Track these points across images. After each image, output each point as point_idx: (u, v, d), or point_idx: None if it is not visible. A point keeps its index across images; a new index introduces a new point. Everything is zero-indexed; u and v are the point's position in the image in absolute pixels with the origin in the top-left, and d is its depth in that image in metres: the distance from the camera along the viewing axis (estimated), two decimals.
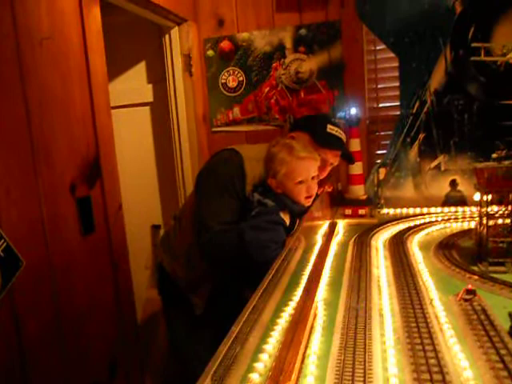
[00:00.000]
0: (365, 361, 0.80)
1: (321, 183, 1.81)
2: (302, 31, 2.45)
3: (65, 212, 1.48)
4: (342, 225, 1.97)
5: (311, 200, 1.53)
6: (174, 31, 2.56)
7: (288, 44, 2.48)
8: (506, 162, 1.33)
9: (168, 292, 1.84)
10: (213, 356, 0.55)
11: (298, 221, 1.53)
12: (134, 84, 2.77)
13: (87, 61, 1.64)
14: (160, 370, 2.43)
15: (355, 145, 2.13)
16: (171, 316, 1.86)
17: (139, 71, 2.78)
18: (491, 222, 1.41)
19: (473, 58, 2.08)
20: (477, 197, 1.45)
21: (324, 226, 1.88)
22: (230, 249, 1.46)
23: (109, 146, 1.74)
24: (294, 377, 0.76)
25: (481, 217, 1.43)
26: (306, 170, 1.49)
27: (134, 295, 2.08)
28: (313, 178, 1.51)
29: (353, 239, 1.71)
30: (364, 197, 2.16)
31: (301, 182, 1.48)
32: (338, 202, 2.26)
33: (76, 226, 1.53)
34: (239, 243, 1.41)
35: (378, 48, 2.41)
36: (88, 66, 1.65)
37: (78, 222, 1.53)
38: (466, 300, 1.08)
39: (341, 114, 2.39)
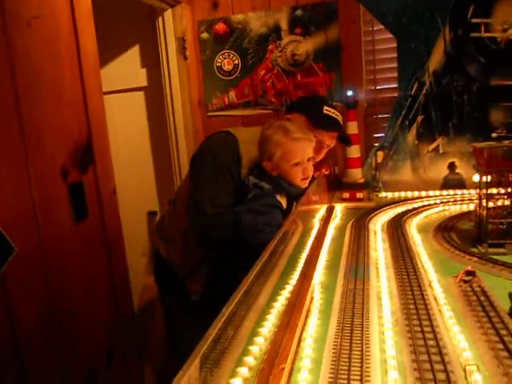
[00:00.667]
0: (362, 343, 0.79)
1: (318, 166, 1.79)
2: (298, 12, 2.40)
3: (56, 197, 1.45)
4: (339, 208, 1.96)
5: (307, 182, 1.51)
6: (168, 13, 2.50)
7: (284, 25, 2.43)
8: (506, 142, 1.30)
9: (164, 278, 1.83)
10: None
11: (294, 204, 1.51)
12: (128, 68, 2.72)
13: (77, 42, 1.60)
14: (158, 356, 2.43)
15: (353, 127, 2.09)
16: (168, 303, 1.85)
17: (133, 55, 2.73)
18: (491, 204, 1.39)
19: (472, 34, 2.04)
20: (476, 178, 1.43)
21: (322, 209, 1.86)
22: (226, 232, 1.44)
23: (101, 130, 1.71)
24: (289, 359, 0.75)
25: (480, 198, 1.40)
26: (302, 152, 1.46)
27: (131, 282, 2.07)
28: (309, 159, 1.48)
29: (350, 223, 1.69)
30: (362, 180, 2.14)
31: (297, 164, 1.45)
32: (336, 185, 2.24)
33: (68, 212, 1.50)
34: (235, 227, 1.39)
35: (375, 28, 2.36)
36: (78, 48, 1.60)
37: (71, 207, 1.50)
38: (465, 281, 1.06)
39: (338, 97, 2.35)
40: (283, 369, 0.71)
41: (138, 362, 2.03)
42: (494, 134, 1.34)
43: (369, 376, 0.69)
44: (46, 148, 1.42)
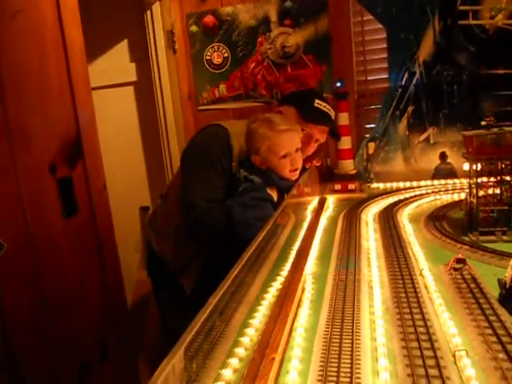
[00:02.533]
0: (353, 331, 0.79)
1: (309, 158, 1.79)
2: (288, 3, 2.39)
3: (45, 193, 1.44)
4: (331, 200, 1.96)
5: (297, 173, 1.50)
6: (156, 6, 2.48)
7: (273, 17, 2.42)
8: (495, 130, 1.30)
9: (157, 273, 1.82)
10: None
11: (285, 196, 1.51)
12: (117, 63, 2.70)
13: (63, 36, 1.58)
14: (153, 351, 2.43)
15: (344, 119, 2.09)
16: (162, 297, 1.84)
17: (121, 50, 2.71)
18: (481, 192, 1.40)
19: (460, 22, 2.04)
20: (466, 166, 1.43)
21: (314, 201, 1.86)
22: (217, 226, 1.43)
23: (90, 125, 1.69)
24: (280, 349, 0.75)
25: (470, 187, 1.41)
26: (289, 143, 1.45)
27: (124, 278, 2.06)
28: (296, 150, 1.48)
29: (342, 214, 1.69)
30: (353, 171, 2.14)
31: (284, 156, 1.44)
32: (328, 177, 2.24)
33: (58, 208, 1.49)
34: (226, 221, 1.39)
35: (365, 19, 2.35)
36: (64, 42, 1.58)
37: (60, 203, 1.49)
38: (455, 269, 1.07)
39: (329, 88, 2.35)
40: (274, 358, 0.71)
41: (132, 356, 2.03)
42: (483, 122, 1.34)
43: (359, 364, 0.69)
44: (34, 143, 1.40)
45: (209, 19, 2.51)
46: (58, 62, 1.54)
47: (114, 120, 2.73)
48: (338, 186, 2.08)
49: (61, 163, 1.52)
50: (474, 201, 1.38)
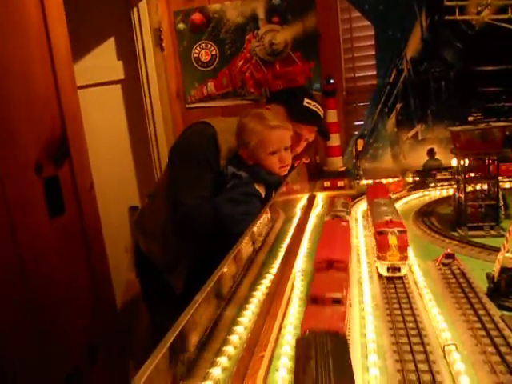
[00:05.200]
0: None
1: (298, 156, 1.78)
2: (275, 0, 2.38)
3: (31, 192, 1.41)
4: (321, 197, 1.96)
5: (286, 169, 1.49)
6: (143, 4, 2.45)
7: (261, 14, 2.41)
8: (482, 125, 1.31)
9: (146, 273, 1.80)
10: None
11: (274, 192, 1.50)
12: (104, 61, 2.67)
13: (48, 34, 1.55)
14: (144, 353, 2.40)
15: (332, 116, 2.09)
16: (151, 298, 1.82)
17: (108, 48, 2.67)
18: (469, 188, 1.40)
19: (447, 17, 2.05)
20: (454, 162, 1.44)
21: (303, 198, 1.86)
22: (206, 223, 1.42)
23: (76, 124, 1.67)
24: (269, 347, 0.74)
25: (458, 182, 1.41)
26: (278, 140, 1.44)
27: (114, 279, 2.03)
28: (286, 149, 1.47)
29: None
30: (342, 168, 2.14)
31: (273, 153, 1.44)
32: (317, 174, 2.24)
33: (44, 207, 1.46)
34: (215, 216, 1.38)
35: (352, 16, 2.36)
36: (49, 40, 1.56)
37: (46, 203, 1.47)
38: (444, 264, 1.07)
39: (317, 86, 2.35)
40: (263, 356, 0.70)
41: (123, 359, 2.01)
42: (470, 118, 1.35)
43: None
44: (18, 142, 1.38)
45: (196, 17, 2.50)
46: (43, 60, 1.52)
47: (102, 119, 2.69)
48: (327, 183, 2.08)
49: (47, 162, 1.49)
50: (462, 196, 1.38)
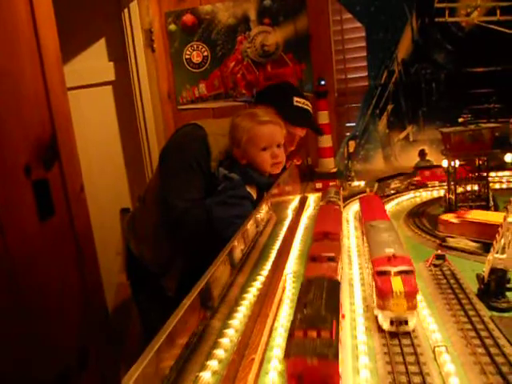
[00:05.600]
0: None
1: (289, 156, 1.78)
2: (267, 2, 2.38)
3: (20, 195, 1.40)
4: (312, 198, 1.95)
5: (279, 167, 1.49)
6: (134, 4, 2.44)
7: (252, 16, 2.41)
8: (472, 126, 1.32)
9: (137, 276, 1.79)
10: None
11: (265, 194, 1.50)
12: (95, 62, 2.65)
13: (37, 34, 1.53)
14: (135, 357, 2.39)
15: (324, 117, 2.09)
16: (142, 300, 1.82)
17: (99, 49, 2.66)
18: (460, 189, 1.41)
19: (437, 19, 2.06)
20: (444, 163, 1.44)
21: (295, 200, 1.86)
22: (197, 226, 1.42)
23: (66, 125, 1.65)
24: (260, 350, 0.73)
25: (449, 183, 1.42)
26: (269, 136, 1.44)
27: (105, 282, 2.01)
28: (278, 145, 1.46)
29: None
30: (334, 170, 2.14)
31: (265, 149, 1.43)
32: (309, 176, 2.24)
33: (33, 210, 1.44)
34: (206, 220, 1.37)
35: (344, 17, 2.36)
36: (38, 40, 1.54)
37: (36, 206, 1.45)
38: (435, 265, 1.07)
39: (308, 87, 2.35)
40: (253, 359, 0.70)
41: (114, 364, 1.99)
42: (460, 119, 1.36)
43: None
44: (6, 144, 1.36)
45: (188, 18, 2.49)
46: (32, 61, 1.50)
47: (93, 120, 2.68)
48: (319, 185, 2.08)
49: (36, 165, 1.47)
50: (453, 197, 1.39)
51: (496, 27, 1.95)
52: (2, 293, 1.33)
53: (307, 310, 0.64)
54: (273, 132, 1.45)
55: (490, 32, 2.00)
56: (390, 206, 1.71)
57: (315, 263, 0.87)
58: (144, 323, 1.85)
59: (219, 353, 0.75)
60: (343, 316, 0.79)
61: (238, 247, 1.11)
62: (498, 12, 1.89)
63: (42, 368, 1.46)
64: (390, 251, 0.83)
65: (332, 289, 0.71)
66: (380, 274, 0.80)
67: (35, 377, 1.42)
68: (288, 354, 0.56)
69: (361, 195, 1.69)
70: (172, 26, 2.51)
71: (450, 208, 1.41)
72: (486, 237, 1.11)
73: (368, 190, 1.73)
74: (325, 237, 1.01)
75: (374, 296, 0.81)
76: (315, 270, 0.82)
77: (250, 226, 1.18)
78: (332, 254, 0.88)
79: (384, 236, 0.96)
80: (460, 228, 1.23)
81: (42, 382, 1.47)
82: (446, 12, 1.99)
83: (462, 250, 1.16)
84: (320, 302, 0.66)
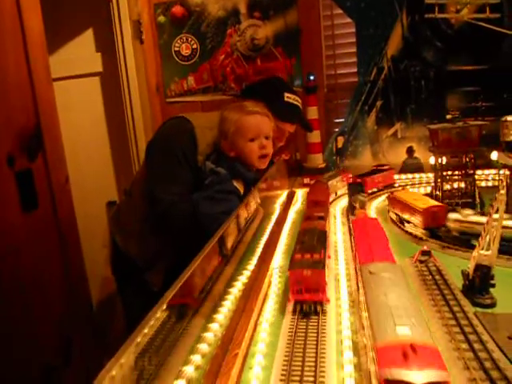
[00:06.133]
0: (318, 325, 0.77)
1: (278, 152, 1.77)
2: None
3: (3, 186, 1.37)
4: (300, 194, 1.95)
5: (266, 161, 1.48)
6: None
7: (243, 9, 2.39)
8: (460, 123, 1.32)
9: (122, 270, 1.77)
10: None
11: (252, 188, 1.49)
12: (82, 53, 2.61)
13: (22, 23, 1.50)
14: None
15: (313, 113, 2.09)
16: (127, 295, 1.80)
17: (86, 39, 2.62)
18: (446, 186, 1.42)
19: (427, 15, 2.06)
20: (432, 160, 1.45)
21: (282, 195, 1.85)
22: (184, 220, 1.40)
23: (51, 116, 1.62)
24: (244, 344, 0.73)
25: (436, 180, 1.43)
26: (256, 126, 1.43)
27: (90, 275, 2.00)
28: (267, 137, 1.45)
29: None
30: (323, 165, 2.14)
31: (252, 140, 1.42)
32: (297, 171, 2.23)
33: (16, 202, 1.42)
34: (192, 215, 1.36)
35: (334, 13, 2.36)
36: (23, 29, 1.51)
37: (19, 197, 1.42)
38: (421, 261, 1.07)
39: (298, 82, 2.34)
40: (237, 354, 0.69)
41: (98, 358, 1.97)
42: (448, 116, 1.36)
43: (324, 358, 0.68)
44: None
45: (177, 9, 2.46)
46: (16, 52, 1.47)
47: (79, 111, 2.64)
48: (306, 180, 2.08)
49: (19, 155, 1.45)
50: (440, 194, 1.39)
51: (485, 25, 1.96)
52: None
53: (303, 244, 0.91)
54: (260, 123, 1.44)
55: (479, 30, 2.01)
56: (377, 202, 1.72)
57: (309, 221, 1.09)
58: (128, 318, 1.83)
59: (203, 347, 0.74)
60: (329, 256, 1.02)
61: (224, 241, 1.10)
62: (488, 9, 1.89)
63: (26, 360, 1.44)
64: (404, 333, 0.52)
65: (321, 235, 0.96)
66: None
67: (21, 369, 1.40)
68: (291, 267, 0.83)
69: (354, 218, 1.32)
70: (161, 18, 2.48)
71: None
72: (402, 212, 1.35)
73: (358, 208, 1.41)
74: (316, 204, 1.25)
75: None
76: (308, 226, 1.04)
77: (237, 220, 1.17)
78: (322, 214, 1.11)
79: (391, 297, 0.63)
80: (392, 203, 1.43)
81: (28, 374, 1.45)
82: (436, 8, 2.00)
83: None
84: (313, 240, 0.93)
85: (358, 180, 1.58)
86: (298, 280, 0.82)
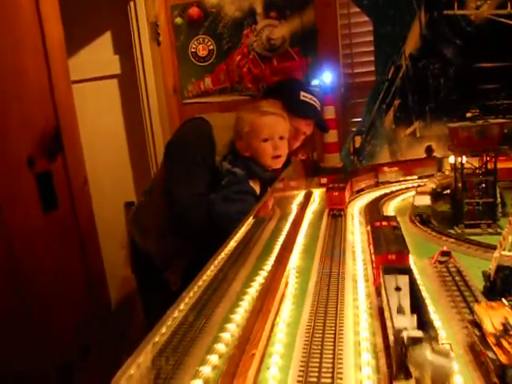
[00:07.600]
0: (336, 325, 0.77)
1: (295, 151, 1.77)
2: None
3: (23, 187, 1.40)
4: (317, 194, 1.94)
5: (280, 161, 1.48)
6: None
7: (259, 9, 2.39)
8: (480, 122, 1.29)
9: (142, 269, 1.79)
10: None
11: (268, 188, 1.48)
12: (100, 56, 2.65)
13: (42, 27, 1.53)
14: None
15: (330, 112, 2.08)
16: (146, 294, 1.81)
17: (104, 42, 2.65)
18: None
19: (446, 12, 2.02)
20: (451, 159, 1.42)
21: (299, 195, 1.84)
22: (202, 221, 1.41)
23: (70, 118, 1.65)
24: (261, 345, 0.72)
25: (456, 179, 1.40)
26: (270, 127, 1.43)
27: (109, 275, 2.02)
28: (281, 138, 1.45)
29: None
30: (340, 165, 2.13)
31: (266, 140, 1.42)
32: (314, 171, 2.22)
33: (37, 202, 1.45)
34: (210, 215, 1.37)
35: (351, 11, 2.34)
36: (43, 33, 1.54)
37: (39, 198, 1.45)
38: (441, 262, 1.05)
39: (315, 81, 2.33)
40: (254, 354, 0.69)
41: (116, 355, 1.99)
42: (468, 114, 1.33)
43: (341, 358, 0.67)
44: (10, 136, 1.36)
45: (194, 11, 2.48)
46: (36, 56, 1.50)
47: (98, 113, 2.68)
48: (324, 180, 2.06)
49: (39, 157, 1.48)
50: (459, 195, 1.37)
51: (506, 21, 1.91)
52: (4, 285, 1.33)
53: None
54: (274, 123, 1.44)
55: (499, 26, 1.97)
56: (396, 202, 1.70)
57: (331, 192, 1.45)
58: (147, 316, 1.85)
59: (220, 347, 0.74)
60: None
61: (241, 241, 1.10)
62: (510, 5, 1.85)
63: (46, 360, 1.46)
64: None
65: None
66: None
67: (40, 369, 1.43)
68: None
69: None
70: (178, 20, 2.50)
71: (457, 205, 1.39)
72: None
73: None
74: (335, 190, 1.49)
75: None
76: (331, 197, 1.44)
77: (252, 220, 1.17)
78: (342, 185, 1.47)
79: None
80: None
81: (47, 375, 1.48)
82: (455, 5, 1.96)
83: None
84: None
85: None
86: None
